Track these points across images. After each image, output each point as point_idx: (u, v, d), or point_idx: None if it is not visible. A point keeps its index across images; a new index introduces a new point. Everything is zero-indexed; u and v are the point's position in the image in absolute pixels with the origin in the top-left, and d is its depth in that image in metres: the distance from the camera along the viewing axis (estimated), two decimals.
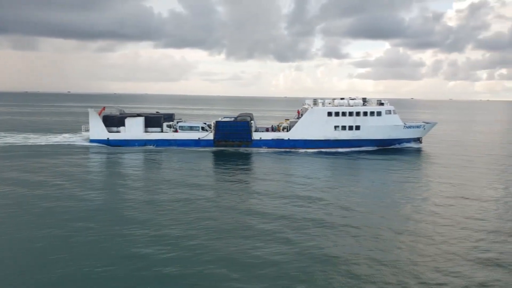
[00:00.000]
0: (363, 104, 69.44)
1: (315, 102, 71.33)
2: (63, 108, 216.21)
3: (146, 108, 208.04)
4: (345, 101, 69.78)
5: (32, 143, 69.57)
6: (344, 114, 67.42)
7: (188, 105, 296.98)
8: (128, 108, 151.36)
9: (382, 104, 69.68)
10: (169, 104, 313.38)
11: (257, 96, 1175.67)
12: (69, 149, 64.37)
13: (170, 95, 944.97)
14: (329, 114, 67.47)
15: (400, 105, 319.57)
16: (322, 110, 67.90)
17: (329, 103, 70.08)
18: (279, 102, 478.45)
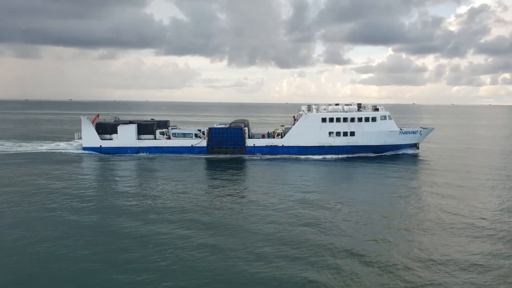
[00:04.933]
0: (358, 110, 68.65)
1: (309, 108, 70.23)
2: (62, 116, 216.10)
3: (146, 115, 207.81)
4: (339, 107, 69.01)
5: (24, 151, 69.01)
6: (338, 120, 66.57)
7: (190, 112, 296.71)
8: (126, 116, 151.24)
9: (377, 109, 68.84)
10: (170, 111, 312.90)
11: (261, 102, 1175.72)
12: (61, 157, 63.78)
13: (172, 102, 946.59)
14: (323, 120, 66.64)
15: (401, 111, 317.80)
16: (316, 116, 67.10)
17: (324, 109, 69.24)
18: (281, 108, 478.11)
